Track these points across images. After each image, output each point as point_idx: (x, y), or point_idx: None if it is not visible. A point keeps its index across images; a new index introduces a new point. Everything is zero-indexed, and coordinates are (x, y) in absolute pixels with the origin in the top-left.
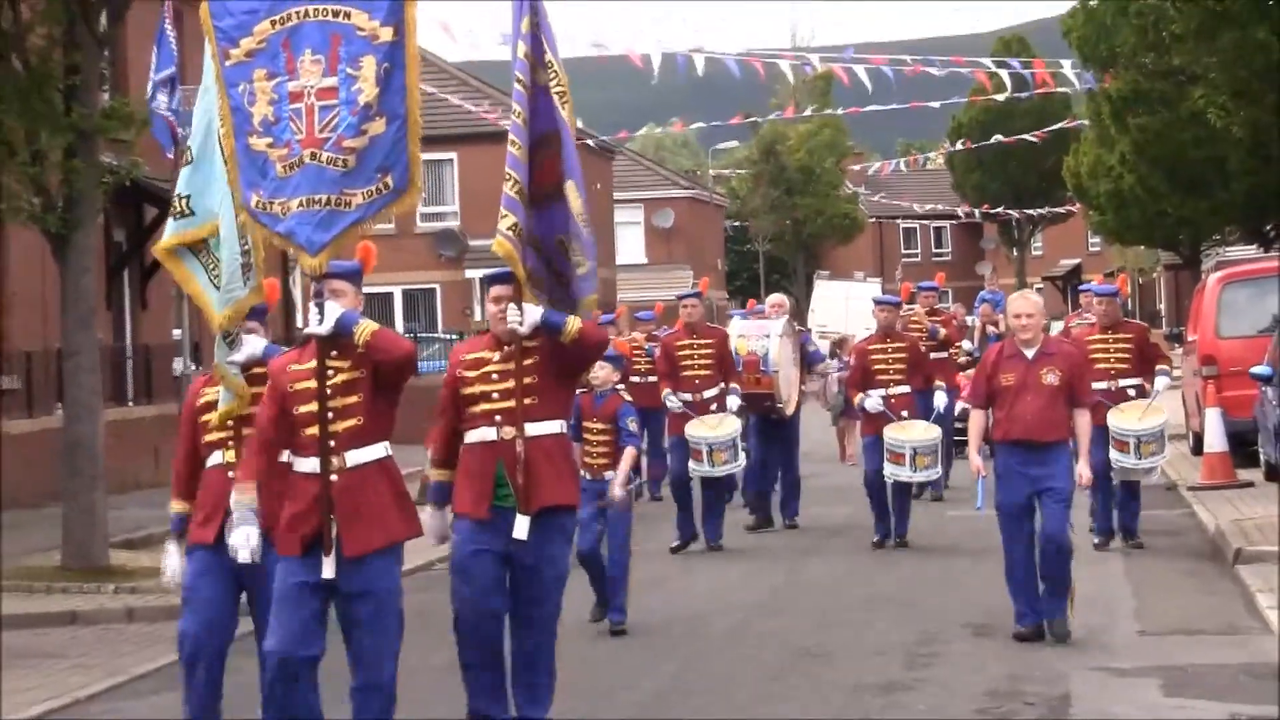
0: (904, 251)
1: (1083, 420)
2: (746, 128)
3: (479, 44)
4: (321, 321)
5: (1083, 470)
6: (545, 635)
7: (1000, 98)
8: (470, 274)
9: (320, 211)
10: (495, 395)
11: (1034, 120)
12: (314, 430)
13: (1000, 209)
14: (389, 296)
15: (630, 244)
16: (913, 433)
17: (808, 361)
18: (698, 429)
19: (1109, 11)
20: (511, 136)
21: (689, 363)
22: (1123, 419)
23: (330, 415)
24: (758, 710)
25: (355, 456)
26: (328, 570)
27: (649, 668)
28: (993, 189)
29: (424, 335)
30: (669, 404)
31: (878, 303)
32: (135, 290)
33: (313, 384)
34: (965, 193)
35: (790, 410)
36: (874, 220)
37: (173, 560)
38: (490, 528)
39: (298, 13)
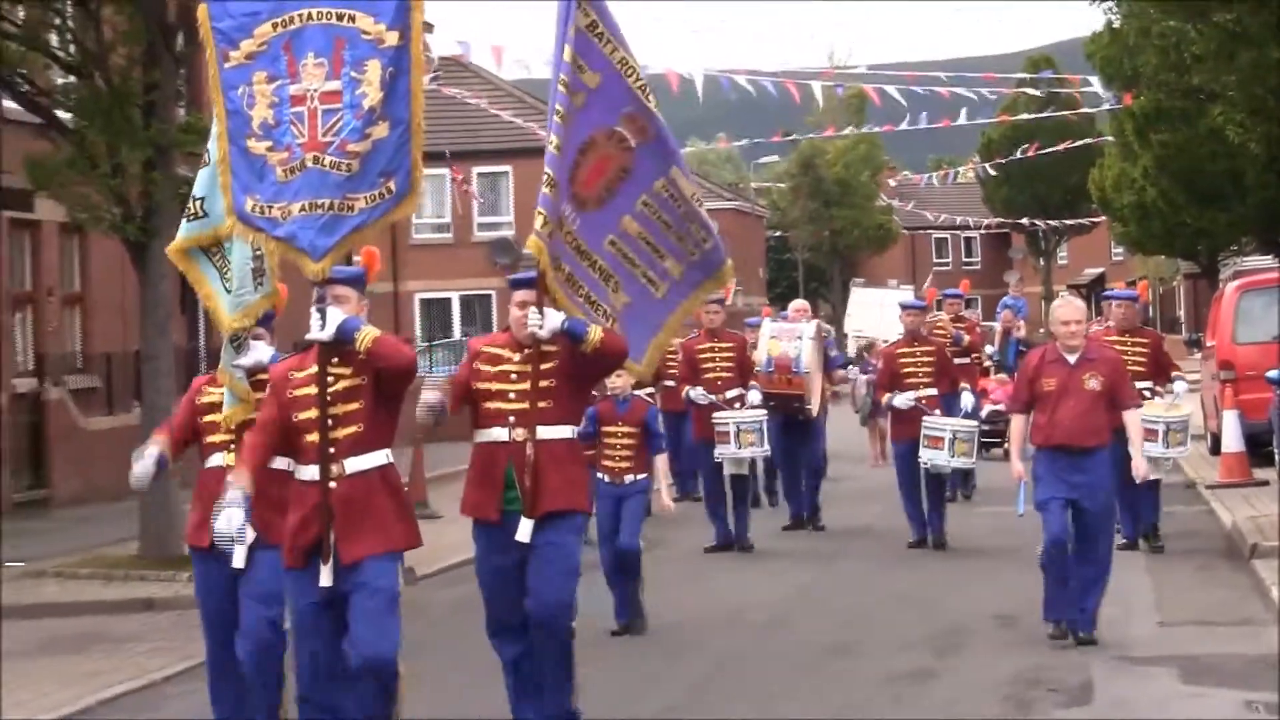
0: (936, 261)
1: (1133, 420)
2: (786, 143)
3: (529, 67)
4: (323, 327)
5: (1138, 465)
6: (556, 631)
7: (1025, 117)
8: None
9: (323, 216)
10: (511, 395)
11: (1059, 138)
12: (314, 437)
13: (1026, 219)
14: (447, 302)
15: None
16: (949, 419)
17: (828, 366)
18: (723, 414)
19: (1132, 33)
20: (552, 136)
21: (710, 365)
22: (1149, 409)
23: (330, 422)
24: (786, 704)
25: (355, 464)
26: (326, 578)
27: (679, 665)
28: (1020, 201)
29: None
30: (692, 396)
31: (904, 307)
32: None
33: (313, 390)
34: (995, 205)
35: (816, 412)
36: (907, 231)
37: (144, 465)
38: (503, 536)
39: (300, 15)
